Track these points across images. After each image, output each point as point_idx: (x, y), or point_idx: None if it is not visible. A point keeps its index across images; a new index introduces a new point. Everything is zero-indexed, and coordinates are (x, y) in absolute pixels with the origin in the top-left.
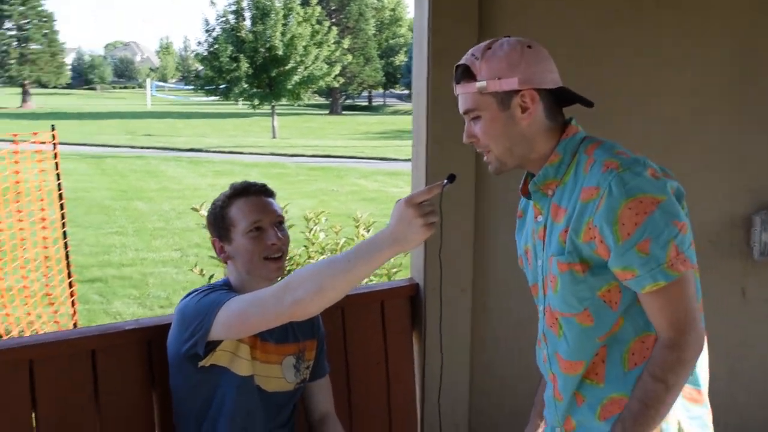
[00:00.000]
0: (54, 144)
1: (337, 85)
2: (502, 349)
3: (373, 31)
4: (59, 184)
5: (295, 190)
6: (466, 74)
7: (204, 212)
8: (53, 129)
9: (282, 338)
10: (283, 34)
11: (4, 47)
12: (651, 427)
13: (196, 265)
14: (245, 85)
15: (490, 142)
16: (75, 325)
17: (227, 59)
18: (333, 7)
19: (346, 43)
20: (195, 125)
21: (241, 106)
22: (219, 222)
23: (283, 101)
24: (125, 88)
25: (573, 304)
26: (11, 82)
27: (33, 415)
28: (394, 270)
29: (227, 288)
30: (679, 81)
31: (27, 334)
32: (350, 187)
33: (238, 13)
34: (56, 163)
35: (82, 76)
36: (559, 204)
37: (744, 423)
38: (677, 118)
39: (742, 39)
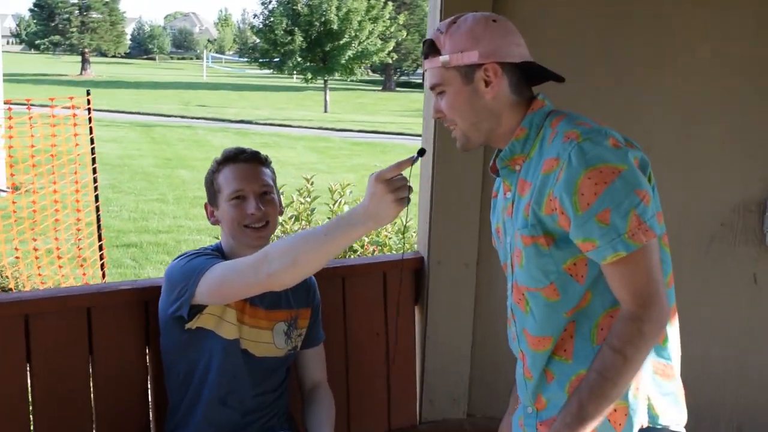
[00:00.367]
0: (89, 109)
1: (390, 61)
2: (504, 325)
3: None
4: (93, 148)
5: (337, 163)
6: (432, 49)
7: None
8: (88, 94)
9: (274, 304)
10: (338, 8)
11: (66, 15)
12: (608, 400)
13: None
14: (299, 59)
15: (455, 116)
16: None
17: (282, 32)
18: None
19: (402, 19)
20: (248, 97)
21: (296, 79)
22: (209, 187)
23: (336, 76)
24: (183, 59)
25: (539, 278)
26: (72, 50)
27: (27, 367)
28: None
29: (216, 252)
30: (695, 62)
31: None
32: (392, 162)
33: None
34: (90, 128)
35: (142, 46)
36: (525, 178)
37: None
38: (696, 97)
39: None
